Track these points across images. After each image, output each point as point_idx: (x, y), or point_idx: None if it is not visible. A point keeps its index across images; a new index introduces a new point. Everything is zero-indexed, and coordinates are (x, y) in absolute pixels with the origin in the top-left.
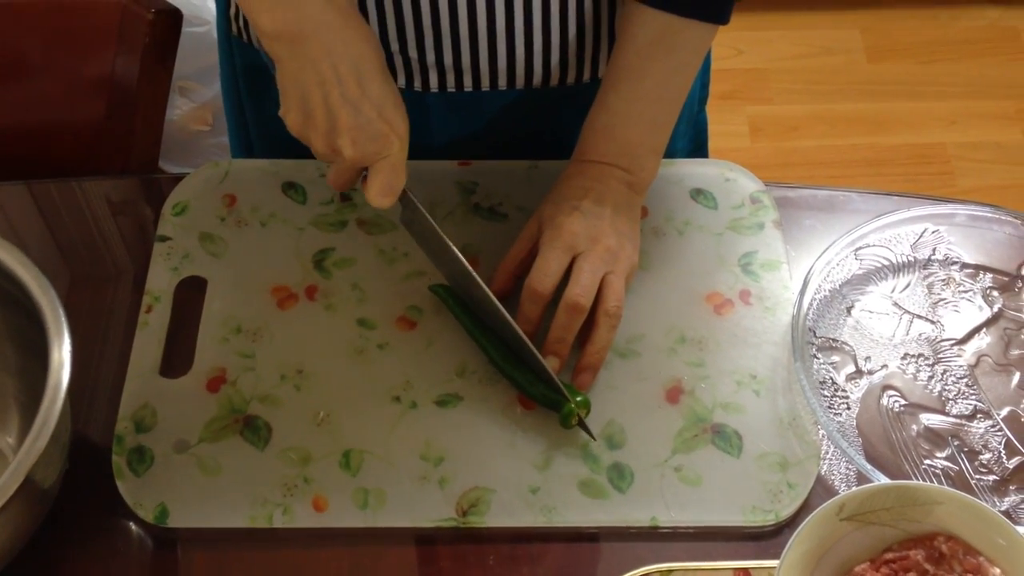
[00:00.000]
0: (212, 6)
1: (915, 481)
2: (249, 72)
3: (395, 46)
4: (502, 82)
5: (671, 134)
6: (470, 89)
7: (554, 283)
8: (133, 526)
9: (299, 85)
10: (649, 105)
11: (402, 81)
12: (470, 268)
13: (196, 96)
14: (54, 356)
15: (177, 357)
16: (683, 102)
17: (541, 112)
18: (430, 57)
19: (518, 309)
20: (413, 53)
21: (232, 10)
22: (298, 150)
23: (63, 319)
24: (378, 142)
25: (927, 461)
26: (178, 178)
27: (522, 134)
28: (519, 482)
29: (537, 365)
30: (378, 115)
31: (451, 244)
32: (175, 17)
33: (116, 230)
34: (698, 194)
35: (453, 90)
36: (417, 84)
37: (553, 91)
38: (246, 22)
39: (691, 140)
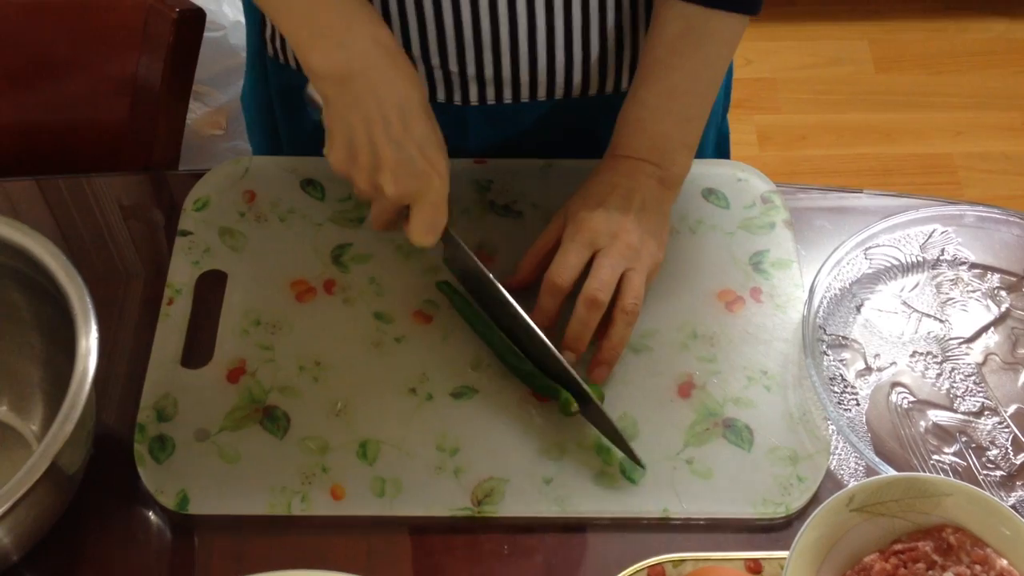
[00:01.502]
0: (228, 11)
1: (924, 473)
2: (284, 92)
3: (436, 60)
4: (541, 93)
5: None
6: (509, 101)
7: (573, 276)
8: (154, 513)
9: (345, 123)
10: (680, 98)
11: (442, 95)
12: (518, 307)
13: (210, 100)
14: (81, 344)
15: (198, 348)
16: (715, 96)
17: (578, 121)
18: (471, 70)
19: (536, 302)
20: (454, 67)
21: (268, 31)
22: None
23: (91, 308)
24: (420, 180)
25: (935, 457)
26: (195, 175)
27: (558, 143)
28: (533, 472)
29: (556, 367)
30: (420, 153)
31: (497, 283)
32: (199, 17)
33: (134, 226)
34: (710, 194)
35: (493, 103)
36: (457, 98)
37: (590, 100)
38: (282, 41)
39: (715, 148)
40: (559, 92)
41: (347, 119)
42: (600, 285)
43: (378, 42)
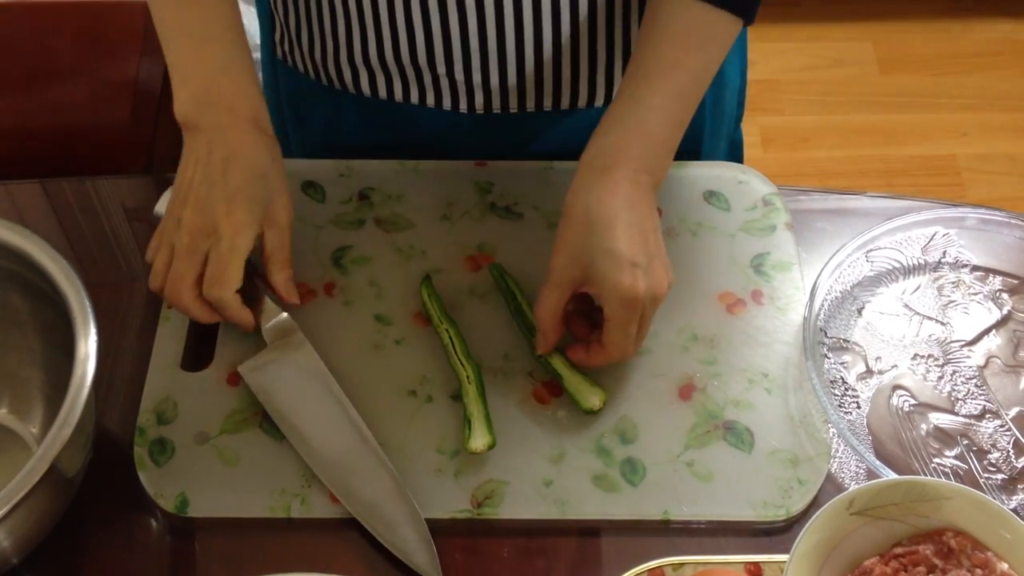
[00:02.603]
0: None
1: (925, 476)
2: (293, 96)
3: (442, 68)
4: (547, 103)
5: (710, 152)
6: (515, 110)
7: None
8: (154, 515)
9: (181, 168)
10: (684, 101)
11: (448, 103)
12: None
13: None
14: (80, 348)
15: (198, 352)
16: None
17: (584, 132)
18: (476, 78)
19: (585, 364)
20: (460, 75)
21: (277, 35)
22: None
23: (90, 312)
24: (213, 222)
25: (936, 460)
26: None
27: (563, 153)
28: (533, 475)
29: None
30: (225, 202)
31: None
32: None
33: (137, 228)
34: (711, 196)
35: (498, 111)
36: (463, 106)
37: (597, 112)
38: (291, 46)
39: (727, 156)
40: (565, 103)
41: (184, 163)
42: (635, 349)
43: (232, 110)
